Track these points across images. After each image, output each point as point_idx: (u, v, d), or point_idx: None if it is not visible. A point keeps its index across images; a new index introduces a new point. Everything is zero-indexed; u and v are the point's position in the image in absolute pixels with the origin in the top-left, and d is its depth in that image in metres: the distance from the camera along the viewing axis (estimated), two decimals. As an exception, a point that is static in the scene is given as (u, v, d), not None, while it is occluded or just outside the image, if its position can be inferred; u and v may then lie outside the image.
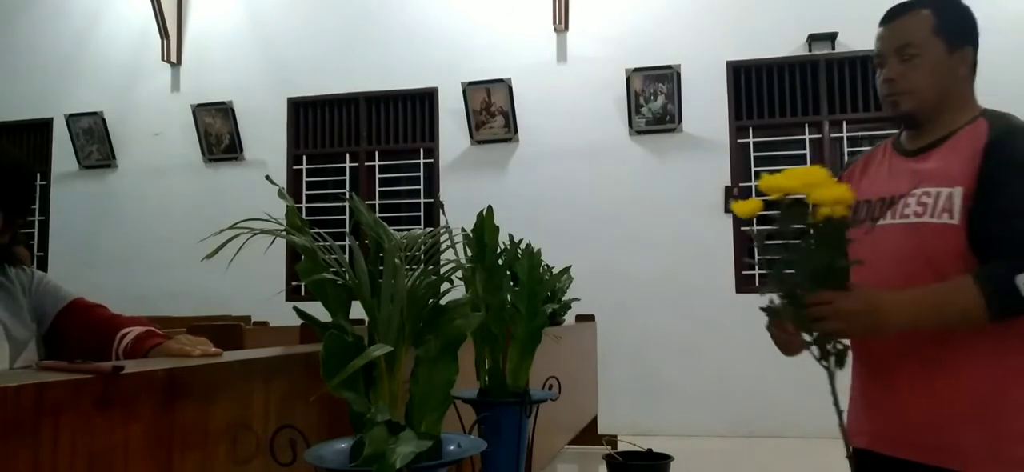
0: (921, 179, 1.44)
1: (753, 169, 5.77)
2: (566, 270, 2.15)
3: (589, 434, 4.69)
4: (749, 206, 1.28)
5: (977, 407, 1.36)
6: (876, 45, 1.52)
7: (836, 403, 1.29)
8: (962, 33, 1.47)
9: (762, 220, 1.34)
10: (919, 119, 1.49)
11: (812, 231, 1.23)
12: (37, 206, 6.85)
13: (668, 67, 5.78)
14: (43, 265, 6.75)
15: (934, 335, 1.39)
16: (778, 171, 1.24)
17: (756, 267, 5.55)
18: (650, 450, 3.22)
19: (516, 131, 6.11)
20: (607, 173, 5.88)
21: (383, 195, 6.47)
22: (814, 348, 1.29)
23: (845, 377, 1.53)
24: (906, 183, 1.46)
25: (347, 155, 6.55)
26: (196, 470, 0.94)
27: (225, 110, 6.64)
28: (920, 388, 1.43)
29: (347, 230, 6.31)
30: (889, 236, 1.44)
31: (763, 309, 1.35)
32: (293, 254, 6.06)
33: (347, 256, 1.04)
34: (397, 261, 1.01)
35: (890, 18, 1.50)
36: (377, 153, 6.50)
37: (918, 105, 1.47)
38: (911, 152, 1.51)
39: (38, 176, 1.64)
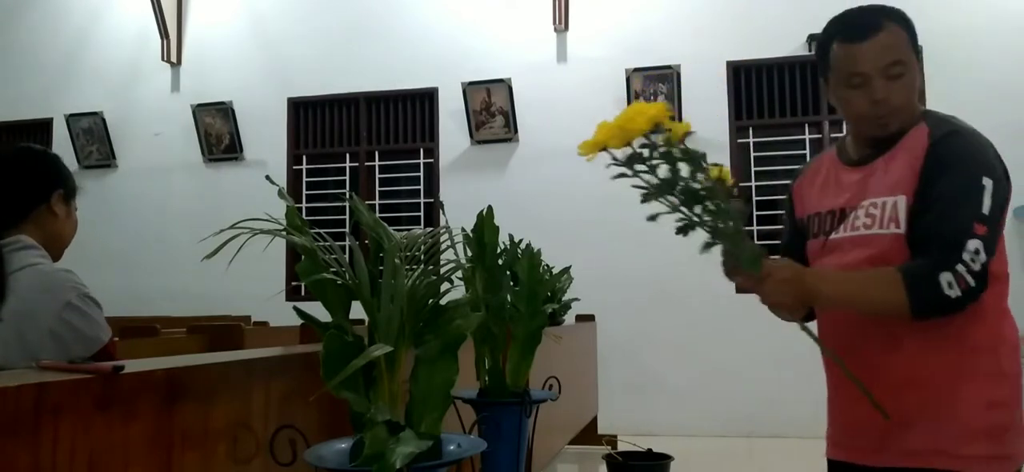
0: (868, 190, 1.42)
1: (753, 169, 5.75)
2: (566, 270, 2.15)
3: (589, 434, 4.69)
4: (590, 148, 1.31)
5: (925, 407, 1.34)
6: (852, 65, 1.40)
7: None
8: (916, 41, 1.43)
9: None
10: (897, 136, 1.42)
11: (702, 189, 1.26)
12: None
13: (668, 67, 5.78)
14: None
15: (875, 334, 1.38)
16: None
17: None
18: (650, 450, 3.21)
19: (516, 131, 6.11)
20: (607, 173, 5.86)
21: (383, 195, 6.47)
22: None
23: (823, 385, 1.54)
24: (856, 195, 1.43)
25: (347, 155, 6.55)
26: (196, 470, 0.94)
27: (225, 110, 6.64)
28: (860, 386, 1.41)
29: (347, 230, 6.31)
30: (844, 249, 1.42)
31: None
32: (293, 254, 6.05)
33: (347, 256, 1.04)
34: (397, 261, 1.01)
35: (865, 35, 1.40)
36: (377, 153, 6.50)
37: (904, 123, 1.41)
38: (856, 161, 1.47)
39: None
